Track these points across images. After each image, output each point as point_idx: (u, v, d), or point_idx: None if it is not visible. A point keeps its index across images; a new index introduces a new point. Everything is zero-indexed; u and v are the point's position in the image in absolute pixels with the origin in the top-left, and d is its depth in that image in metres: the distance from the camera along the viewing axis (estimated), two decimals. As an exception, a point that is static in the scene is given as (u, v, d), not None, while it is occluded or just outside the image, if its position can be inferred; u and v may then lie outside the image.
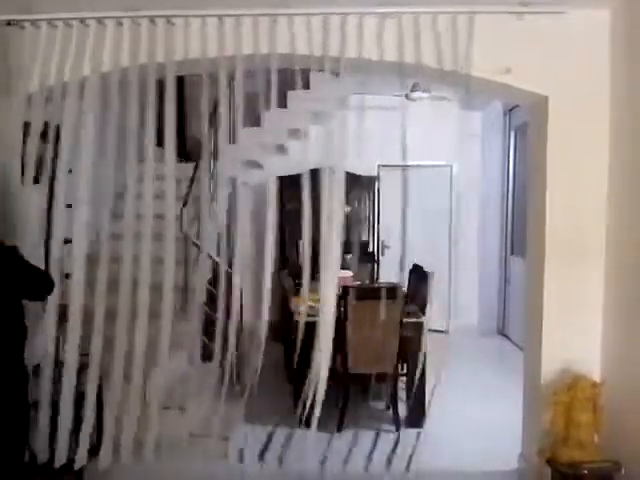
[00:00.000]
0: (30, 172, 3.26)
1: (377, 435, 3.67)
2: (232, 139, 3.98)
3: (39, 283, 2.88)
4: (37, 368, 3.26)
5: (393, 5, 3.09)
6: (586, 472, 2.95)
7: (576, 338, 3.24)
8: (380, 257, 7.15)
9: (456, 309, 7.03)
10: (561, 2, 3.03)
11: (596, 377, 3.17)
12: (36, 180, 3.31)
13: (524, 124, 6.14)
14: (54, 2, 3.14)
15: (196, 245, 4.45)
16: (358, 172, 6.20)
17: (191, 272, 4.66)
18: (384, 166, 6.93)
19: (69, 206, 3.50)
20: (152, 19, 3.17)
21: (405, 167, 3.41)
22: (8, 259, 2.81)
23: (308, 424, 3.42)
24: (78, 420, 3.37)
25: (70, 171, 3.41)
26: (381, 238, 7.17)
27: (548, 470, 3.07)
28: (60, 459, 3.26)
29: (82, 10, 3.18)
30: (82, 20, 3.18)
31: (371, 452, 3.48)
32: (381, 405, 4.60)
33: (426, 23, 3.13)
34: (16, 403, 2.81)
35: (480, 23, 3.10)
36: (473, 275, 7.30)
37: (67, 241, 3.44)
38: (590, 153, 3.21)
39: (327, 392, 3.29)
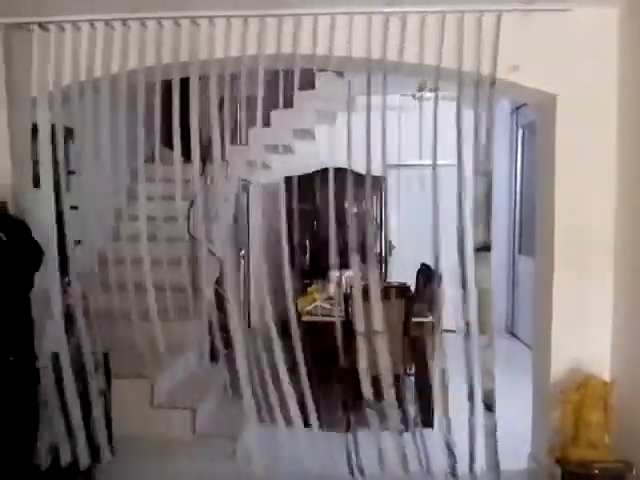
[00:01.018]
0: (42, 174, 3.28)
1: (386, 435, 3.65)
2: (239, 140, 3.98)
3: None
4: (45, 369, 3.28)
5: (399, 5, 3.09)
6: (597, 472, 2.93)
7: (586, 337, 3.22)
8: (387, 257, 7.14)
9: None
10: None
11: (606, 376, 3.16)
12: (46, 182, 3.32)
13: (532, 122, 6.11)
14: (62, 4, 3.14)
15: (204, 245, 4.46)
16: (365, 172, 6.20)
17: (198, 272, 4.67)
18: (391, 166, 6.91)
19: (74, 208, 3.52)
20: (159, 21, 3.18)
21: (413, 166, 3.38)
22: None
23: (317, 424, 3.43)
24: (86, 420, 3.39)
25: (75, 172, 3.43)
26: (388, 238, 7.16)
27: (558, 470, 3.06)
28: (67, 459, 3.28)
29: (89, 12, 3.18)
30: (92, 23, 3.20)
31: (379, 452, 3.46)
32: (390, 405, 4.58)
33: (433, 23, 3.12)
34: (26, 401, 2.82)
35: (488, 21, 3.10)
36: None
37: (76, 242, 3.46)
38: (598, 152, 3.19)
39: (335, 392, 3.29)
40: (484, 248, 3.22)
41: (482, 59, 3.11)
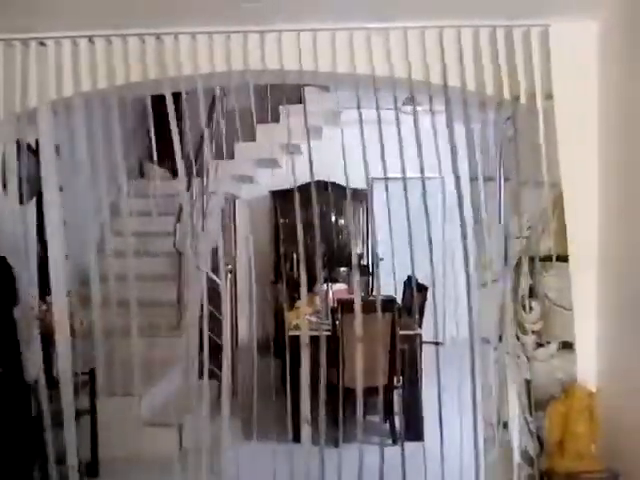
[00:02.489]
0: (22, 190, 3.26)
1: (375, 449, 3.64)
2: (225, 154, 3.99)
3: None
4: (33, 386, 3.24)
5: (390, 21, 3.14)
6: (584, 482, 2.94)
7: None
8: (375, 270, 7.15)
9: (452, 320, 7.01)
10: (548, 13, 3.07)
11: (592, 386, 3.17)
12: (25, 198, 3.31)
13: (515, 135, 6.17)
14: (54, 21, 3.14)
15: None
16: (351, 185, 6.22)
17: (185, 288, 4.66)
18: (377, 179, 6.94)
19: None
20: (142, 37, 3.19)
21: (399, 179, 3.42)
22: None
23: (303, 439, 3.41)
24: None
25: (61, 189, 3.41)
26: (375, 251, 7.17)
27: (546, 481, 3.06)
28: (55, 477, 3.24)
29: (75, 29, 3.19)
30: (73, 39, 3.20)
31: (369, 466, 3.45)
32: (378, 419, 4.57)
33: (415, 37, 3.17)
34: (19, 419, 2.78)
35: (467, 37, 3.15)
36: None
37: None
38: (580, 167, 3.22)
39: (322, 407, 3.27)
40: (554, 258, 3.18)
41: (468, 74, 3.16)
